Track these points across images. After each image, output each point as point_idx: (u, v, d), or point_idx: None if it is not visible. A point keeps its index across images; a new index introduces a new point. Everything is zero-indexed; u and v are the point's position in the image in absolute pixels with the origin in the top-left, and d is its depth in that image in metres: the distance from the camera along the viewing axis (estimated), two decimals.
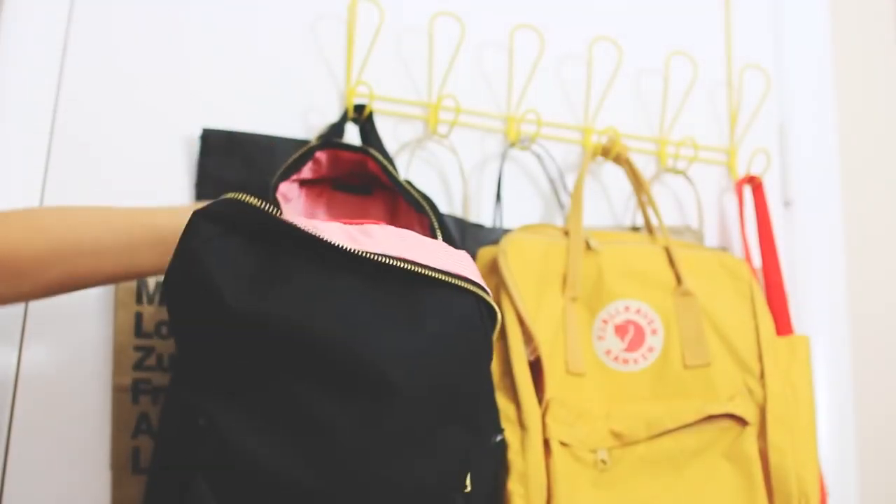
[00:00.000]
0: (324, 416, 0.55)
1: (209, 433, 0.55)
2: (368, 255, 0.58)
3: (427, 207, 0.77)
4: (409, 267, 0.59)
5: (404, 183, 0.80)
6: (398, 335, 0.57)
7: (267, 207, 0.57)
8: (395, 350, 0.57)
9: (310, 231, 0.58)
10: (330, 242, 0.58)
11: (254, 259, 0.58)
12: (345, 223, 0.62)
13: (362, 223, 0.63)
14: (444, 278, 0.61)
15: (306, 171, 0.84)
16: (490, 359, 0.67)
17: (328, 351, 0.55)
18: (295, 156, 0.81)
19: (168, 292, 0.59)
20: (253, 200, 0.57)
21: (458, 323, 0.61)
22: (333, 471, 0.54)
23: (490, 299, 0.64)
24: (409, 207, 0.80)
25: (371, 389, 0.55)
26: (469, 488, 0.62)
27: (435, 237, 0.73)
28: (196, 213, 0.58)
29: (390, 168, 0.81)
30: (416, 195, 0.78)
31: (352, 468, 0.55)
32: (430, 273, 0.60)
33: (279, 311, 0.55)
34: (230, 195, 0.58)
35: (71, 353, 0.82)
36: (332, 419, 0.55)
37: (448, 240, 0.71)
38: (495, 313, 0.65)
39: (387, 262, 0.59)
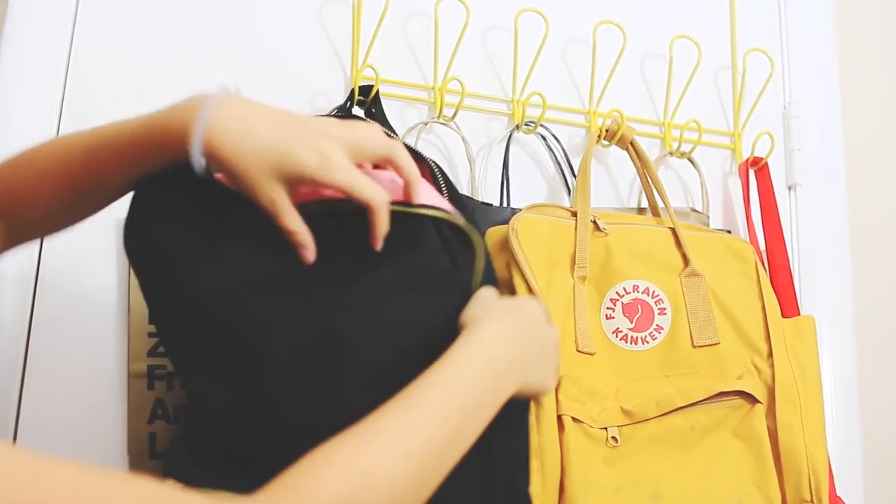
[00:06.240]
0: (284, 375, 0.53)
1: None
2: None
3: (426, 159, 0.74)
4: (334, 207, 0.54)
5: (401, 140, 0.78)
6: (348, 292, 0.53)
7: (203, 169, 0.53)
8: (355, 311, 0.53)
9: (240, 195, 0.54)
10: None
11: (196, 227, 0.55)
12: None
13: None
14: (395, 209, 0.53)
15: None
16: (468, 290, 0.57)
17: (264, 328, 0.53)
18: None
19: (127, 253, 0.58)
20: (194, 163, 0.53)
21: (413, 262, 0.54)
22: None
23: (455, 219, 0.55)
24: None
25: (331, 352, 0.53)
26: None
27: (440, 190, 0.71)
28: (141, 180, 0.57)
29: (387, 131, 0.79)
30: (414, 150, 0.76)
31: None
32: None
33: (205, 288, 0.54)
34: (177, 161, 0.54)
35: (85, 340, 0.82)
36: (299, 383, 0.53)
37: (453, 194, 0.68)
38: (466, 235, 0.56)
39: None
